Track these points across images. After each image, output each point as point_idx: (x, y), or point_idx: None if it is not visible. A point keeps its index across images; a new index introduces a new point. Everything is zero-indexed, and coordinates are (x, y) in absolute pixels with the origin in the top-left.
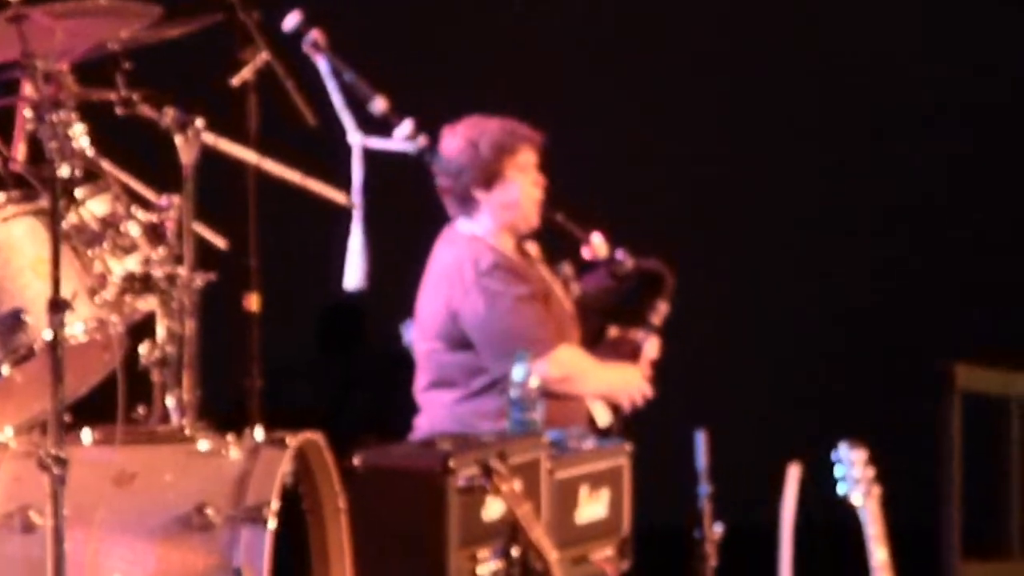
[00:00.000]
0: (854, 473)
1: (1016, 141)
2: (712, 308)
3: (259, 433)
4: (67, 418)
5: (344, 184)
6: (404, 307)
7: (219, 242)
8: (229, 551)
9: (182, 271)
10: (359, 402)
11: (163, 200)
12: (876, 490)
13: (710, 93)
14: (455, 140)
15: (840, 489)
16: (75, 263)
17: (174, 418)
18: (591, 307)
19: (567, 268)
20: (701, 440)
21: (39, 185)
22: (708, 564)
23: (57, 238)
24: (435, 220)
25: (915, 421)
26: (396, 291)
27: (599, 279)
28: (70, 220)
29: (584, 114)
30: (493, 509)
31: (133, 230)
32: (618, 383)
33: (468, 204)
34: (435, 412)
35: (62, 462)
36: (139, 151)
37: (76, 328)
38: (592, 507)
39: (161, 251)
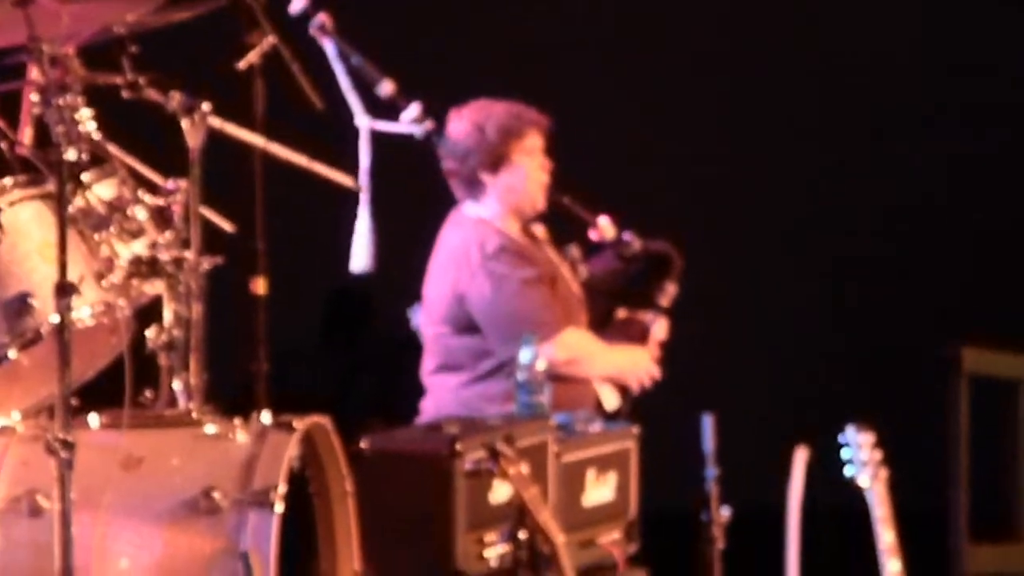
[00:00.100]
0: (862, 456)
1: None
2: (719, 291)
3: (266, 417)
4: (74, 402)
5: (351, 167)
6: (411, 291)
7: (226, 226)
8: (236, 535)
9: (189, 255)
10: (366, 386)
11: (170, 184)
12: (883, 473)
13: (723, 75)
14: (462, 123)
15: (848, 472)
16: (82, 247)
17: (181, 402)
18: (599, 289)
19: (574, 250)
20: (708, 423)
21: (46, 169)
22: (715, 547)
23: (64, 222)
24: (442, 203)
25: (922, 404)
26: (403, 275)
27: (607, 261)
28: (77, 204)
29: (592, 97)
30: (500, 492)
31: (140, 214)
32: (626, 365)
33: (475, 187)
34: (441, 395)
35: (69, 446)
36: (145, 135)
37: (83, 312)
38: (599, 490)
39: (168, 235)
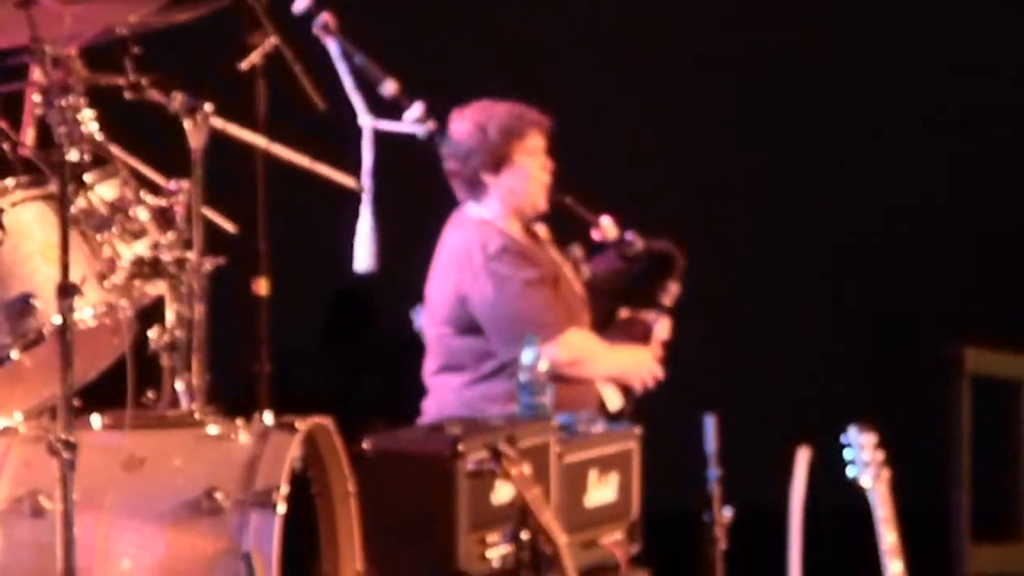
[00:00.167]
0: (864, 456)
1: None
2: (720, 292)
3: (268, 417)
4: (76, 403)
5: (354, 167)
6: (413, 291)
7: (228, 226)
8: (238, 535)
9: (191, 255)
10: (368, 386)
11: (172, 185)
12: (885, 473)
13: (723, 75)
14: (463, 124)
15: (850, 472)
16: (84, 248)
17: (183, 402)
18: (601, 289)
19: (577, 250)
20: (710, 424)
21: (48, 170)
22: (718, 548)
23: (66, 223)
24: (444, 204)
25: (924, 404)
26: (405, 275)
27: (609, 261)
28: (79, 205)
29: (593, 97)
30: (502, 493)
31: (142, 215)
32: (629, 365)
33: (476, 188)
34: (444, 396)
35: (71, 447)
36: (148, 136)
37: (85, 313)
38: (601, 491)
39: (170, 235)
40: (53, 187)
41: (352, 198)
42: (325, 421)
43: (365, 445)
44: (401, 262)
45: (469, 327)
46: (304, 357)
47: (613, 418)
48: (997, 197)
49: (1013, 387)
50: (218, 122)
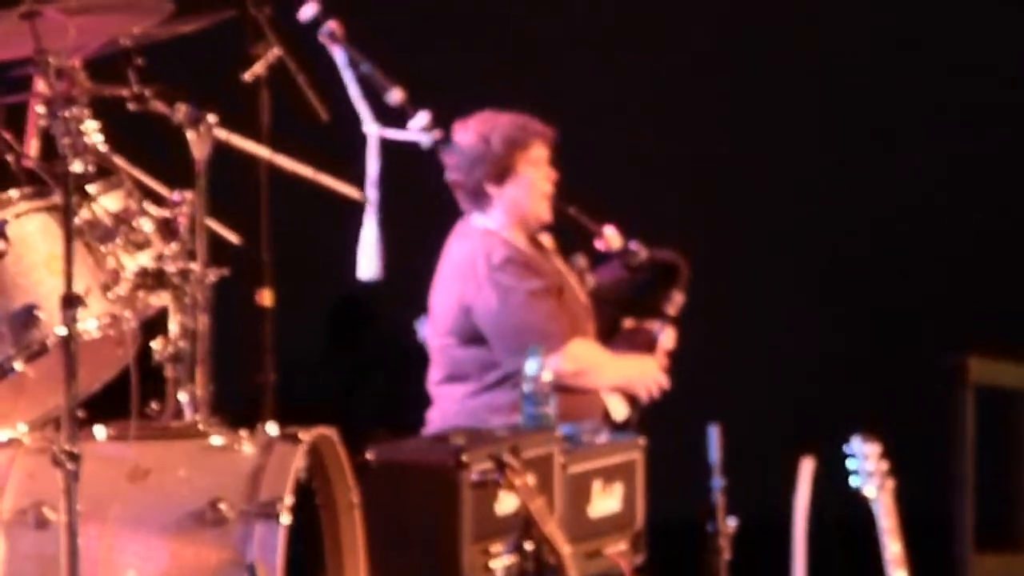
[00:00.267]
0: (867, 466)
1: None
2: (724, 303)
3: (272, 428)
4: (80, 414)
5: (358, 178)
6: (417, 301)
7: (232, 237)
8: (243, 546)
9: (195, 266)
10: (372, 397)
11: (176, 196)
12: (889, 483)
13: (723, 79)
14: (467, 135)
15: (854, 482)
16: (88, 259)
17: (187, 413)
18: (606, 299)
19: (581, 260)
20: (714, 434)
21: (52, 181)
22: (722, 558)
23: (70, 234)
24: (447, 213)
25: (928, 414)
26: (409, 285)
27: (613, 271)
28: (83, 216)
29: (598, 108)
30: (506, 503)
31: (146, 226)
32: (634, 374)
33: (480, 199)
34: (447, 406)
35: (76, 458)
36: (151, 147)
37: (89, 324)
38: (605, 501)
39: (174, 246)
40: (57, 198)
41: (356, 209)
42: (329, 432)
43: (369, 456)
44: (405, 272)
45: (473, 337)
46: (308, 368)
47: (618, 428)
48: (1000, 201)
49: (1017, 397)
50: (222, 133)
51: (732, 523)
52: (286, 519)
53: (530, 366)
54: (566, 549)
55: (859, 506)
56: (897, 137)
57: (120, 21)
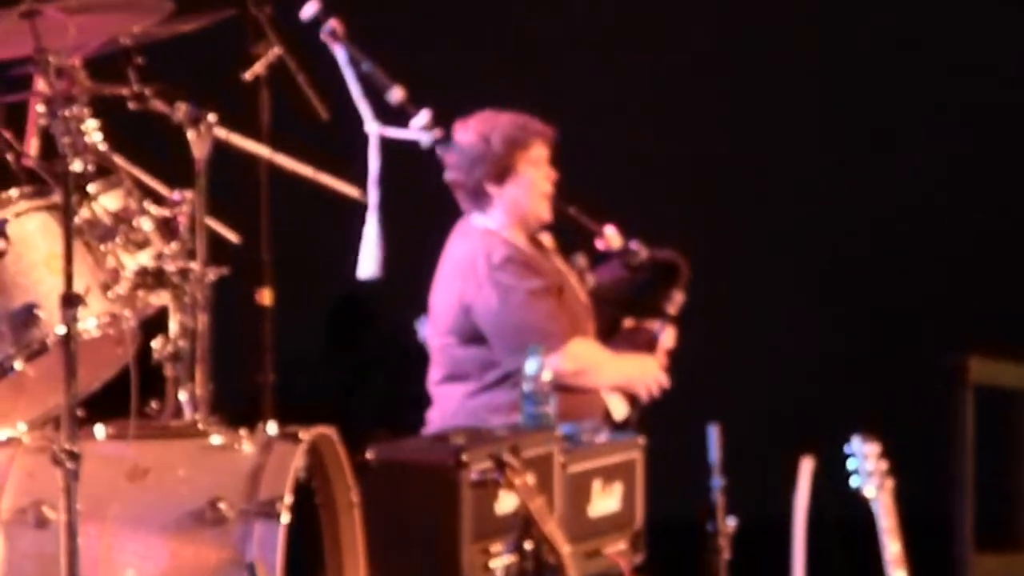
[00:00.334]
0: (867, 466)
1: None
2: (724, 302)
3: (272, 427)
4: (80, 413)
5: (358, 176)
6: (417, 301)
7: (231, 236)
8: (242, 546)
9: (195, 266)
10: (372, 396)
11: (175, 195)
12: (889, 483)
13: (724, 80)
14: (467, 134)
15: (853, 482)
16: (88, 258)
17: (187, 413)
18: (606, 298)
19: (581, 260)
20: (714, 433)
21: (52, 180)
22: (721, 557)
23: (70, 233)
24: (447, 213)
25: (928, 414)
26: (409, 285)
27: (613, 270)
28: (83, 215)
29: (599, 107)
30: (506, 503)
31: (146, 225)
32: (634, 373)
33: (480, 199)
34: (447, 406)
35: (75, 457)
36: (151, 146)
37: (89, 323)
38: (605, 501)
39: (174, 246)
40: (57, 198)
41: (356, 208)
42: (329, 431)
43: (369, 455)
44: (405, 272)
45: (473, 337)
46: (308, 367)
47: (619, 427)
48: (1000, 201)
49: (1017, 397)
50: (222, 132)
51: (732, 523)
52: (286, 518)
53: (530, 365)
54: (566, 548)
55: (859, 506)
56: (897, 137)
57: (120, 20)
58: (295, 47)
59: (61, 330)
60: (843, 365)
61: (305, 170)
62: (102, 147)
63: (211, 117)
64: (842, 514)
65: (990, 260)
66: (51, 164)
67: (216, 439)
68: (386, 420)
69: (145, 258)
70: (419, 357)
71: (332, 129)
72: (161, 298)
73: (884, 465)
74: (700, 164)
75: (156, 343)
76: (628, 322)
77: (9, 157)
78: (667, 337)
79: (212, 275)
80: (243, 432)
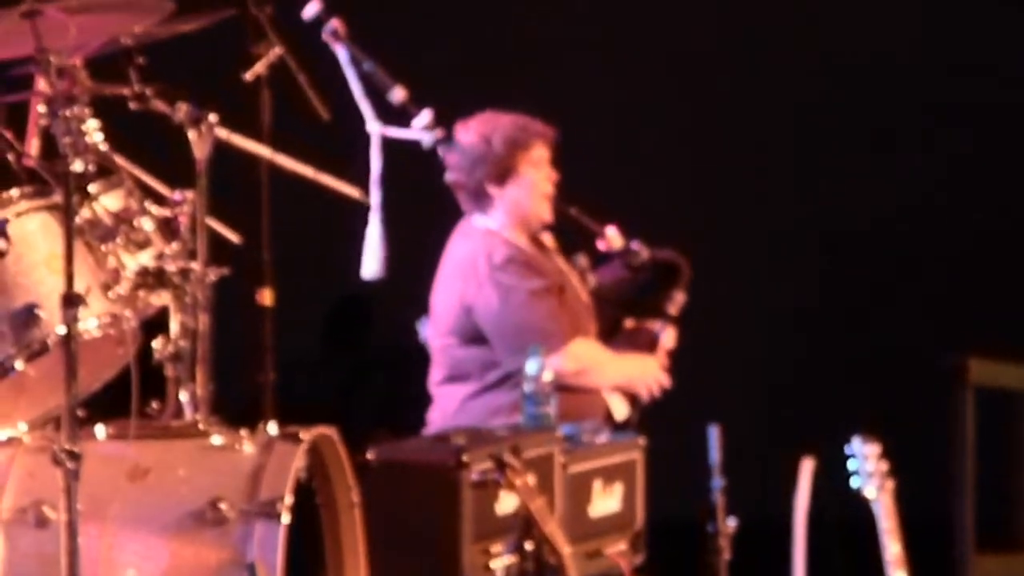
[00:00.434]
0: (868, 467)
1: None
2: (724, 303)
3: (273, 428)
4: (81, 413)
5: (359, 176)
6: (418, 301)
7: (232, 237)
8: (243, 546)
9: (195, 266)
10: (372, 396)
11: (176, 195)
12: (890, 484)
13: (725, 82)
14: (468, 135)
15: (854, 483)
16: (88, 258)
17: (188, 413)
18: (607, 299)
19: (583, 260)
20: (714, 434)
21: (52, 180)
22: (722, 558)
23: (70, 233)
24: (448, 213)
25: (928, 415)
26: (410, 285)
27: (615, 270)
28: (83, 215)
29: (600, 107)
30: (507, 503)
31: (146, 225)
32: (635, 373)
33: (481, 200)
34: (448, 406)
35: (76, 457)
36: (152, 146)
37: (90, 323)
38: (606, 501)
39: (174, 246)
40: (58, 197)
41: (356, 208)
42: (329, 431)
43: (369, 455)
44: (406, 272)
45: (474, 337)
46: (308, 367)
47: (620, 427)
48: (1000, 201)
49: (1017, 398)
50: (223, 132)
51: (732, 523)
52: (286, 519)
53: (531, 366)
54: (566, 549)
55: (859, 506)
56: (897, 137)
57: (121, 20)
58: (296, 47)
59: (62, 330)
60: (843, 365)
61: (306, 170)
62: (103, 147)
63: (212, 117)
64: (842, 515)
65: (990, 260)
66: (52, 164)
67: (217, 439)
68: (387, 420)
69: (146, 258)
70: (420, 357)
71: (333, 129)
72: (162, 298)
73: (884, 466)
74: (700, 164)
75: (157, 343)
76: (629, 322)
77: (10, 157)
78: (668, 337)
79: (213, 275)
80: (244, 432)
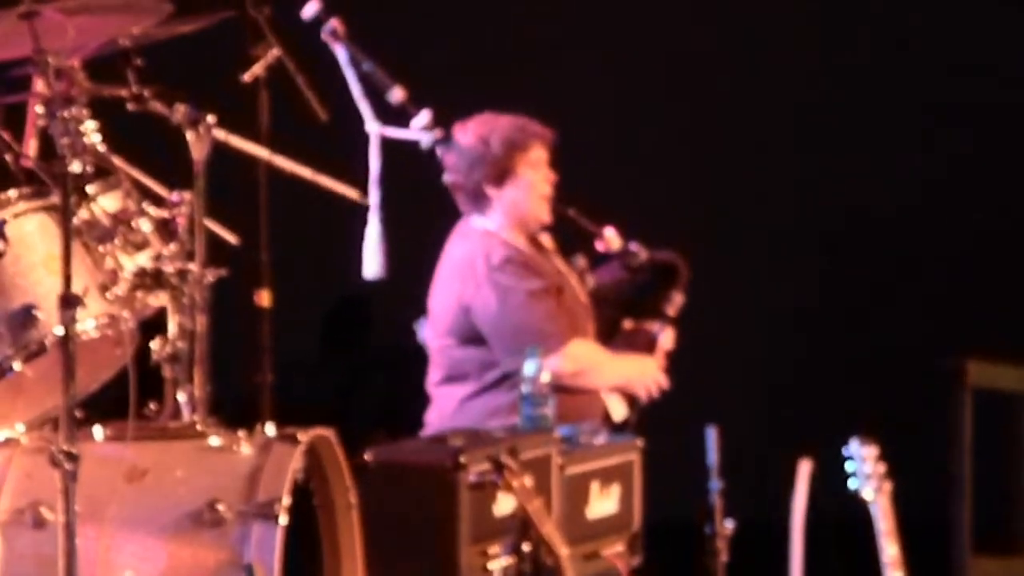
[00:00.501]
0: (865, 469)
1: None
2: (723, 304)
3: (270, 429)
4: (78, 414)
5: (358, 175)
6: (416, 302)
7: (230, 238)
8: (240, 547)
9: (193, 267)
10: (370, 398)
11: (174, 196)
12: (887, 486)
13: (725, 83)
14: (466, 137)
15: (851, 485)
16: (86, 259)
17: (185, 414)
18: (605, 299)
19: (581, 261)
20: (712, 436)
21: (50, 181)
22: (719, 560)
23: (68, 234)
24: (446, 214)
25: (926, 417)
26: (408, 286)
27: (613, 271)
28: (81, 216)
29: (599, 108)
30: (504, 505)
31: (144, 226)
32: (634, 374)
33: (480, 201)
34: (446, 407)
35: (74, 458)
36: (150, 147)
37: (87, 324)
38: (603, 503)
39: (172, 247)
40: (55, 198)
41: (354, 209)
42: (327, 432)
43: (367, 456)
44: (404, 273)
45: (472, 338)
46: (306, 368)
47: (618, 428)
48: (1000, 201)
49: (1015, 400)
50: (221, 133)
51: (730, 525)
52: (284, 520)
53: (528, 367)
54: (564, 550)
55: (857, 508)
56: (897, 137)
57: (119, 21)
58: (295, 47)
59: (59, 331)
60: (842, 367)
61: (304, 171)
62: (101, 148)
63: (210, 118)
64: (840, 516)
65: (990, 261)
66: (50, 165)
67: (214, 440)
68: (384, 421)
69: (144, 259)
70: (418, 358)
71: (332, 129)
72: (160, 299)
73: (882, 467)
74: (700, 164)
75: (155, 344)
76: (628, 323)
77: (8, 158)
78: (666, 338)
79: (211, 276)
80: (241, 433)
